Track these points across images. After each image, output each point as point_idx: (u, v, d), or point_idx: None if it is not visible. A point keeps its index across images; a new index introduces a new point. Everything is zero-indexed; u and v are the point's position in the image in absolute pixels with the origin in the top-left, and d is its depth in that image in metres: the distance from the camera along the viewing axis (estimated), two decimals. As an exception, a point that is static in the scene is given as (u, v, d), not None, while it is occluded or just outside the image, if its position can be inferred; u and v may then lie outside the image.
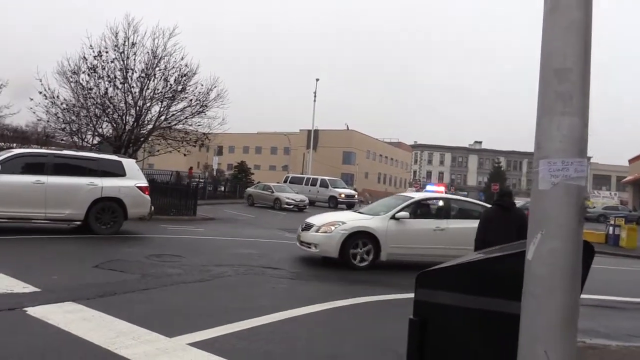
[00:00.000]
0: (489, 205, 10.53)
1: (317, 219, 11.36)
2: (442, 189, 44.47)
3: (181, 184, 27.59)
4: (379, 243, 10.55)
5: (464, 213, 11.77)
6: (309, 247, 10.84)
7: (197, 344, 5.12)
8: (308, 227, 11.13)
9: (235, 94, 44.79)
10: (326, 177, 39.63)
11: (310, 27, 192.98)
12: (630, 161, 59.33)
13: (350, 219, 11.01)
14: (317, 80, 51.21)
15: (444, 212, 11.45)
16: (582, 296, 7.72)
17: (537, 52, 2.15)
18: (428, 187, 46.39)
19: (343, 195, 34.66)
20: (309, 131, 53.98)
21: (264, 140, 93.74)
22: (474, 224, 10.82)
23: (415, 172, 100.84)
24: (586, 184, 1.94)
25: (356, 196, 38.18)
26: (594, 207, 53.60)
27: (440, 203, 11.91)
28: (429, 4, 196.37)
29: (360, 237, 10.53)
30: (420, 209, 11.49)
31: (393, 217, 10.79)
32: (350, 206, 33.31)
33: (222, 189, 41.69)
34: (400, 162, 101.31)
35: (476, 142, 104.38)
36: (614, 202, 67.24)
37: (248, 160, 61.18)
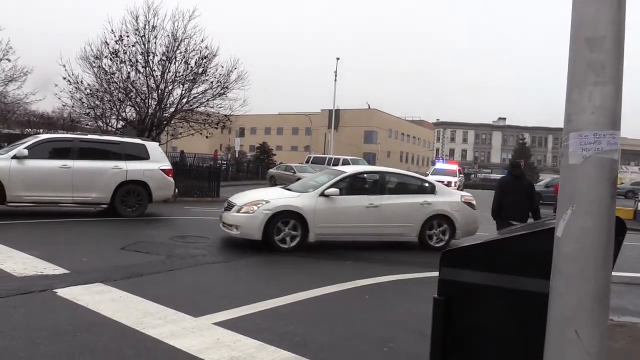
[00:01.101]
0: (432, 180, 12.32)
1: (240, 198, 10.31)
2: (455, 167, 37.87)
3: (185, 164, 27.68)
4: (307, 223, 9.69)
5: (401, 188, 11.08)
6: (230, 229, 9.79)
7: (222, 324, 5.18)
8: (230, 207, 10.08)
9: (255, 74, 44.70)
10: (348, 157, 39.42)
11: (332, 4, 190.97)
12: (660, 135, 57.79)
13: (275, 198, 9.99)
14: (338, 59, 50.58)
15: (379, 188, 10.66)
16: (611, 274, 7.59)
17: (566, 23, 2.06)
18: (437, 166, 37.38)
19: (366, 175, 34.52)
20: (330, 111, 53.66)
21: (285, 121, 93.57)
22: (411, 199, 10.63)
23: (438, 150, 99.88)
24: (619, 158, 1.85)
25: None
26: (622, 183, 52.65)
27: (375, 177, 11.04)
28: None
29: (285, 217, 9.61)
30: (353, 185, 10.71)
31: (322, 194, 9.92)
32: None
33: (245, 170, 41.88)
34: (422, 141, 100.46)
35: (500, 118, 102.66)
36: (643, 178, 65.75)
37: (270, 141, 61.24)
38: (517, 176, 8.83)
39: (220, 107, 24.25)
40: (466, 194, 11.61)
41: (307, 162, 39.68)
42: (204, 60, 23.17)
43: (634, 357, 5.08)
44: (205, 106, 24.14)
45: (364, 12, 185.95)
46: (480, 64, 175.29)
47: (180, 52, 22.81)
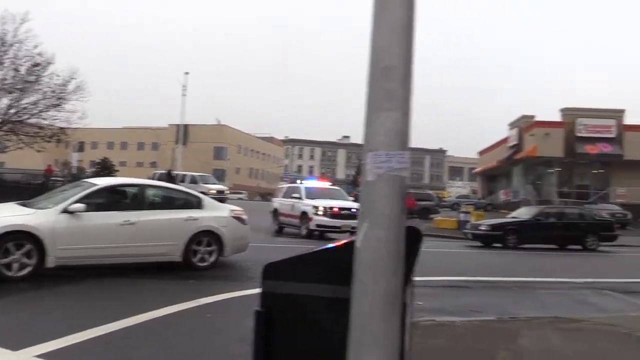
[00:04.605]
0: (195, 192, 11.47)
1: None
2: (327, 184, 29.78)
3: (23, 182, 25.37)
4: (44, 245, 8.19)
5: (163, 202, 10.20)
6: None
7: (46, 355, 4.80)
8: None
9: (97, 86, 42.13)
10: (196, 173, 38.66)
11: (179, 20, 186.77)
12: (480, 153, 65.33)
13: (3, 216, 8.43)
14: (187, 73, 49.58)
15: (137, 202, 9.59)
16: (434, 278, 8.45)
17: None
18: (307, 183, 27.38)
19: (214, 191, 33.92)
20: (178, 126, 52.22)
21: (130, 136, 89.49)
22: (174, 215, 9.78)
23: (286, 166, 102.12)
24: (409, 175, 2.07)
25: (227, 192, 37.72)
26: (450, 196, 59.09)
27: (133, 191, 9.90)
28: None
29: (14, 239, 8.07)
30: (106, 199, 9.61)
31: (65, 211, 8.58)
32: (221, 202, 32.31)
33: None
34: (272, 157, 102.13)
35: (344, 136, 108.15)
36: (466, 191, 73.96)
37: (113, 157, 58.06)
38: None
39: (56, 119, 22.73)
40: (236, 208, 11.07)
41: (152, 178, 38.16)
42: (37, 68, 21.53)
43: (452, 353, 5.63)
44: (37, 118, 22.39)
45: (217, 25, 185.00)
46: (327, 81, 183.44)
47: (9, 58, 20.96)
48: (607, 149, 41.62)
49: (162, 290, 8.26)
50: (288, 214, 19.92)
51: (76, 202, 8.76)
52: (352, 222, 16.15)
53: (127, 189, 10.14)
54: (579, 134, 42.07)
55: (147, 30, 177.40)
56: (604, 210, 31.91)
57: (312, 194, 19.86)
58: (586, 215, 22.37)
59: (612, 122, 42.43)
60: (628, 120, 43.13)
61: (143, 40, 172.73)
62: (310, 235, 18.12)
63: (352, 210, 17.39)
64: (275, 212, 21.10)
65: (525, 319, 7.23)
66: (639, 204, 38.56)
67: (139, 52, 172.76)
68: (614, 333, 6.51)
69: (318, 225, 18.01)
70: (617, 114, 43.27)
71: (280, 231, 20.46)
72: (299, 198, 19.41)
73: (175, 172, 37.65)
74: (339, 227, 17.27)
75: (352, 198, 21.95)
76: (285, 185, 24.71)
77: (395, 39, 2.11)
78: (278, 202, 21.35)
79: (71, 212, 8.61)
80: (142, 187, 10.07)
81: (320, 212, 17.95)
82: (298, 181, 25.25)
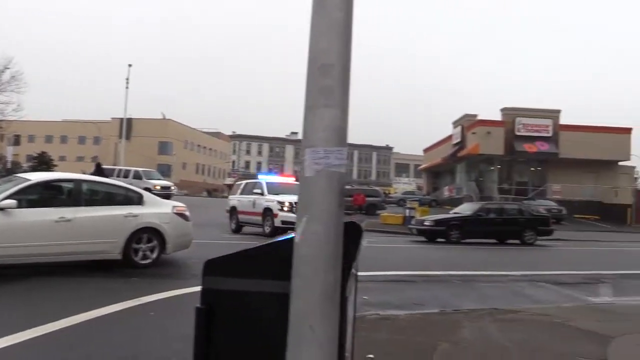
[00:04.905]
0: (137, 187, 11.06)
1: None
2: (291, 180, 24.58)
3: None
4: None
5: (102, 198, 9.89)
6: None
7: (-22, 358, 4.59)
8: None
9: (35, 78, 40.34)
10: (140, 169, 37.64)
11: (124, 14, 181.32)
12: (425, 151, 66.82)
13: None
14: (130, 65, 48.26)
15: (74, 198, 9.22)
16: (380, 273, 8.62)
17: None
18: (261, 178, 22.85)
19: (158, 187, 33.11)
20: (122, 119, 50.76)
21: (70, 129, 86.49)
22: (113, 211, 9.46)
23: (234, 162, 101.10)
24: (347, 171, 2.14)
25: (173, 187, 36.98)
26: (396, 192, 60.40)
27: (69, 186, 9.50)
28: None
29: None
30: (40, 195, 9.23)
31: None
32: (166, 198, 31.45)
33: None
34: (219, 153, 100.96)
35: (292, 132, 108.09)
36: (412, 188, 75.69)
37: (52, 151, 55.92)
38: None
39: (-13, 112, 21.51)
40: (179, 204, 10.84)
41: (93, 173, 36.90)
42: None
43: (394, 346, 5.74)
44: (-34, 110, 21.18)
45: (159, 24, 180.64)
46: (276, 76, 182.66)
47: None
48: (544, 147, 43.40)
49: (105, 289, 8.05)
50: (248, 211, 18.95)
51: (7, 198, 8.35)
52: None
53: (62, 184, 9.73)
54: (518, 133, 43.68)
55: (90, 20, 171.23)
56: (541, 206, 33.41)
57: (274, 189, 18.90)
58: (524, 211, 23.25)
59: (548, 121, 44.26)
60: (563, 120, 45.15)
61: (85, 31, 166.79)
62: (275, 232, 16.70)
63: None
64: (233, 210, 20.09)
65: (465, 311, 7.47)
66: (573, 200, 40.62)
67: (81, 43, 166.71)
68: (548, 323, 6.83)
69: (284, 222, 16.83)
70: (554, 114, 45.16)
71: (238, 230, 19.60)
72: (261, 194, 18.59)
73: (107, 165, 36.46)
74: None
75: None
76: (244, 181, 23.38)
77: (334, 37, 2.15)
78: (236, 199, 20.34)
79: (1, 209, 8.22)
80: (79, 182, 9.61)
81: (286, 208, 17.21)
82: (260, 177, 22.57)
